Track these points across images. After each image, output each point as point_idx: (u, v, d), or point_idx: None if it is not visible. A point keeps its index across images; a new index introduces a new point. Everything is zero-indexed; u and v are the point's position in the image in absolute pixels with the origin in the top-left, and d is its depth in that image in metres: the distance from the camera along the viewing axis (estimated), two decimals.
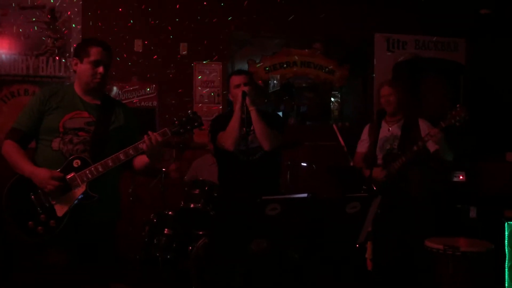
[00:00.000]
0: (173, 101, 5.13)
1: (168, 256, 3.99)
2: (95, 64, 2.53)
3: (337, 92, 6.12)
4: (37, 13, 4.88)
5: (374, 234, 3.30)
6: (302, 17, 5.48)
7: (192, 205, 4.13)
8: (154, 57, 5.12)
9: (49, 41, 4.92)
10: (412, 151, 3.45)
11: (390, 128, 3.75)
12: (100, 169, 2.44)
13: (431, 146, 3.52)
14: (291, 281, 3.01)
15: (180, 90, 5.19)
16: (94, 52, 2.52)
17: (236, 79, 3.29)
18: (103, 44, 2.58)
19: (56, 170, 2.43)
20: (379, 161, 3.69)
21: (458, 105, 3.32)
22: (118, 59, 4.96)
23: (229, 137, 3.18)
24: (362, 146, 3.87)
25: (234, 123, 3.16)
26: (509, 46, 5.40)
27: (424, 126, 3.63)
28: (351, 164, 3.95)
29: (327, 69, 5.69)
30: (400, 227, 3.57)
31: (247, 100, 3.11)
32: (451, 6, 5.49)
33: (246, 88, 3.16)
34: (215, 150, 3.47)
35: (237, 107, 3.16)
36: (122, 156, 2.46)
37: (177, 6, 5.17)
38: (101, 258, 2.52)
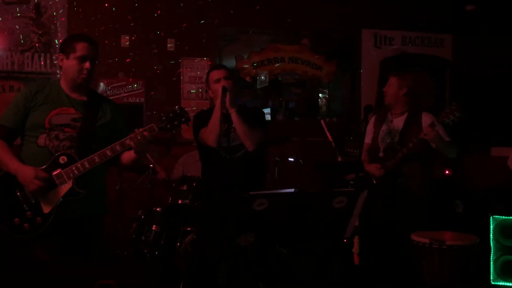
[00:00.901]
0: (161, 97, 5.11)
1: (156, 253, 3.99)
2: (82, 59, 2.52)
3: (325, 88, 6.14)
4: (22, 8, 4.83)
5: (361, 228, 3.32)
6: (289, 12, 5.49)
7: (180, 201, 4.13)
8: (141, 53, 5.09)
9: (34, 36, 4.86)
10: (408, 147, 3.42)
11: (393, 121, 3.69)
12: (86, 165, 2.43)
13: (432, 143, 3.44)
14: (278, 276, 3.02)
15: (167, 86, 5.17)
16: (80, 48, 2.51)
17: (215, 74, 3.23)
18: (89, 39, 2.56)
19: (41, 168, 2.42)
20: (381, 154, 3.65)
21: (453, 103, 3.25)
22: (105, 54, 4.93)
23: (210, 134, 3.13)
24: (367, 138, 3.82)
25: (215, 119, 3.10)
26: (494, 41, 5.46)
27: (427, 120, 3.52)
28: (362, 157, 3.90)
29: (315, 65, 5.70)
30: (397, 222, 3.55)
31: (227, 102, 3.07)
32: (437, 2, 5.53)
33: (226, 83, 3.12)
34: (198, 146, 3.42)
35: (217, 102, 3.11)
36: (108, 152, 2.45)
37: (165, 2, 5.14)
38: (89, 254, 2.52)
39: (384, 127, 3.63)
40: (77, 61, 2.51)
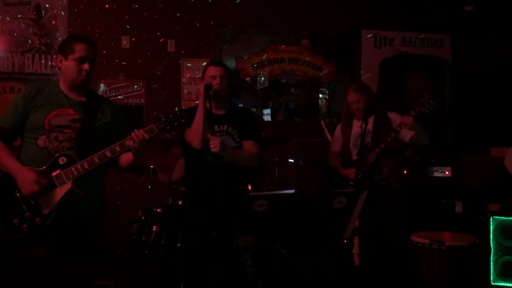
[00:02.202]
0: (161, 98, 5.12)
1: (157, 253, 3.99)
2: (80, 60, 2.52)
3: (325, 89, 6.15)
4: (23, 10, 4.84)
5: (360, 229, 3.33)
6: (289, 13, 5.49)
7: (180, 202, 4.14)
8: (141, 54, 5.10)
9: (34, 38, 4.87)
10: (386, 141, 3.49)
11: (362, 125, 3.77)
12: (86, 166, 2.43)
13: (406, 134, 3.56)
14: (279, 276, 3.02)
15: (167, 87, 5.18)
16: (79, 49, 2.50)
17: (212, 70, 3.07)
18: (88, 40, 2.55)
19: (41, 168, 2.42)
20: (354, 157, 3.72)
21: (425, 94, 3.44)
22: (105, 55, 4.94)
23: (195, 134, 2.95)
24: (336, 145, 3.91)
25: (198, 119, 2.93)
26: (493, 41, 5.46)
27: (394, 117, 3.67)
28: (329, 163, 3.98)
29: (314, 65, 5.71)
30: (378, 220, 3.60)
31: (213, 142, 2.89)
32: (436, 3, 5.54)
33: (219, 82, 3.00)
34: (182, 145, 3.21)
35: (200, 101, 2.93)
36: (108, 153, 2.45)
37: (164, 3, 5.15)
38: (87, 254, 2.52)
39: (354, 131, 3.69)
40: (76, 63, 2.51)
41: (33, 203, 2.41)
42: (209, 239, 2.95)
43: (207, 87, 2.93)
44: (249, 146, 3.13)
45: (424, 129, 3.52)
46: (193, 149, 3.02)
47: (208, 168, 3.00)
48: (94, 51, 2.56)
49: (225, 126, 3.12)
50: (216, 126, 3.10)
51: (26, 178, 2.39)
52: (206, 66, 3.17)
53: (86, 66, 2.52)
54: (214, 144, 2.88)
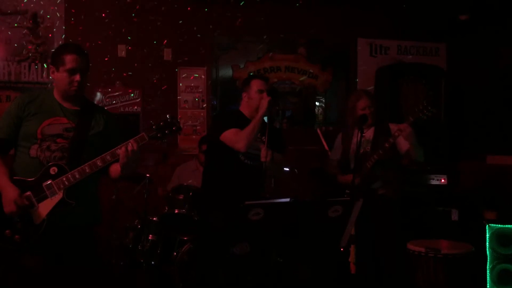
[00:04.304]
0: (157, 107, 5.12)
1: (153, 262, 3.98)
2: (71, 72, 2.49)
3: (321, 97, 6.16)
4: (19, 19, 4.85)
5: (357, 237, 3.33)
6: (285, 22, 5.52)
7: (176, 211, 4.13)
8: (137, 63, 5.11)
9: (31, 46, 4.88)
10: (384, 148, 3.50)
11: (364, 134, 3.78)
12: (77, 176, 2.42)
13: (403, 145, 3.57)
14: (275, 285, 3.01)
15: (164, 96, 5.18)
16: (69, 60, 2.48)
17: (259, 84, 3.36)
18: (78, 51, 2.52)
19: (32, 179, 2.41)
20: (353, 165, 3.72)
21: (424, 101, 3.47)
22: (101, 64, 4.95)
23: (244, 138, 3.15)
24: (336, 154, 3.92)
25: (254, 126, 3.17)
26: (487, 50, 5.50)
27: (394, 128, 3.65)
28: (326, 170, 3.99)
29: (311, 73, 5.73)
30: (375, 230, 3.60)
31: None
32: (431, 11, 5.58)
33: (270, 99, 3.22)
34: (211, 146, 3.46)
35: (260, 113, 3.19)
36: (99, 162, 2.43)
37: (161, 12, 5.17)
38: (82, 263, 2.50)
39: (354, 140, 3.70)
40: (67, 74, 2.49)
41: (24, 213, 2.40)
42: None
43: (271, 103, 3.20)
44: (279, 157, 3.38)
45: (420, 144, 3.53)
46: (229, 150, 3.19)
47: (243, 170, 3.25)
48: (85, 61, 2.53)
49: (260, 133, 3.28)
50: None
51: (6, 197, 2.38)
52: (250, 78, 3.50)
53: (77, 77, 2.49)
54: (267, 155, 3.16)
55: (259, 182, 3.25)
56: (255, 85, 3.36)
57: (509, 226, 3.89)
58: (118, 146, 2.42)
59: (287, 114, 6.25)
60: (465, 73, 5.59)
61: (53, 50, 4.81)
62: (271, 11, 5.46)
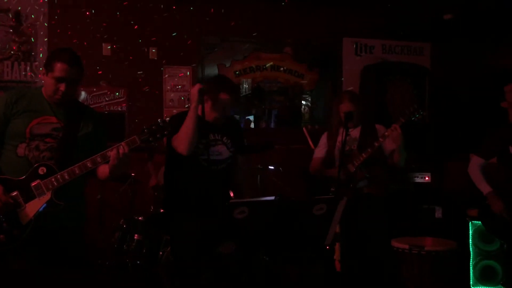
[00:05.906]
0: (143, 106, 5.10)
1: (138, 262, 3.97)
2: (58, 80, 2.45)
3: (307, 96, 6.19)
4: (2, 17, 4.79)
5: (342, 235, 3.35)
6: (271, 21, 5.53)
7: (162, 210, 4.11)
8: (122, 61, 5.08)
9: (14, 45, 4.82)
10: (374, 146, 3.53)
11: (349, 132, 3.79)
12: (66, 177, 2.40)
13: (389, 146, 3.60)
14: (260, 283, 3.02)
15: (149, 95, 5.16)
16: (58, 68, 2.44)
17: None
18: (70, 61, 2.46)
19: (20, 178, 2.39)
20: (337, 163, 3.74)
21: (414, 104, 3.56)
22: (86, 63, 4.89)
23: (183, 140, 2.83)
24: (320, 152, 3.93)
25: (188, 124, 2.82)
26: (472, 49, 5.56)
27: (381, 130, 3.70)
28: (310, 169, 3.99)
29: (297, 73, 5.75)
30: (361, 226, 3.62)
31: None
32: (416, 11, 5.63)
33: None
34: (168, 151, 3.01)
35: (192, 106, 2.81)
36: (89, 164, 2.41)
37: (146, 10, 5.14)
38: (69, 264, 2.48)
39: (340, 138, 3.72)
40: (54, 81, 2.46)
41: (10, 213, 2.37)
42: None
43: (201, 91, 2.82)
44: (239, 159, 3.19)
45: (405, 148, 3.55)
46: (183, 155, 2.87)
47: (202, 174, 2.91)
48: (75, 72, 2.47)
49: (219, 135, 3.04)
50: (212, 134, 3.00)
51: None
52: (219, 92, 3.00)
53: (62, 87, 2.45)
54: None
55: (223, 184, 3.06)
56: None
57: None
58: (109, 149, 2.40)
59: (273, 113, 6.26)
60: (449, 73, 5.65)
61: (36, 48, 4.80)
62: (258, 10, 5.46)
